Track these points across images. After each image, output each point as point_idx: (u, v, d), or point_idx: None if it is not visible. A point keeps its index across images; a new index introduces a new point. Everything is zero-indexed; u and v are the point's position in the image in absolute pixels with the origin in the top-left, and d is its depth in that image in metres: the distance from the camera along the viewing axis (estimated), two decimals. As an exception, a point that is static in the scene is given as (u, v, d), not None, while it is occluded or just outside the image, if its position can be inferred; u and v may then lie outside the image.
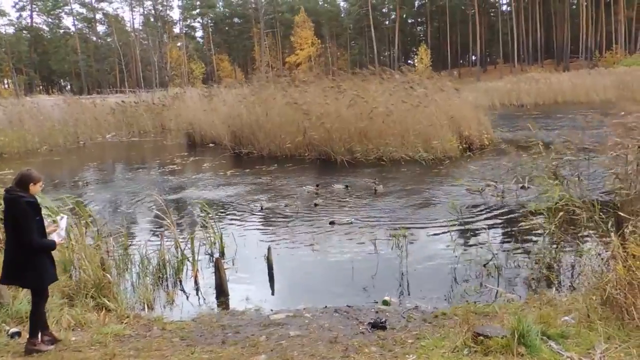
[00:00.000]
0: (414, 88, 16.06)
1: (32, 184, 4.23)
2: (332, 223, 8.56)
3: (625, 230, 4.66)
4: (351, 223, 8.52)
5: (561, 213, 6.27)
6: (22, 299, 5.18)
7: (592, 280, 4.66)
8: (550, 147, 7.92)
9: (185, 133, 22.52)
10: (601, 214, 6.09)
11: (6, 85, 71.62)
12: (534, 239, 7.04)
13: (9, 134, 21.75)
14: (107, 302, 5.37)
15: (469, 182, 10.60)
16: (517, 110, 30.12)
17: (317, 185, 11.55)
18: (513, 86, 36.71)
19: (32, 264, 4.22)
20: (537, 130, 9.27)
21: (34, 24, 77.90)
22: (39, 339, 4.39)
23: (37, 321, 4.37)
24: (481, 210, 8.93)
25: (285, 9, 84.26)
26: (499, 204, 9.24)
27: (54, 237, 4.42)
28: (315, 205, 9.93)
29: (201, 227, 8.22)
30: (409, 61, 78.31)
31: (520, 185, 9.56)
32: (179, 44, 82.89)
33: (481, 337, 3.76)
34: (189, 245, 6.80)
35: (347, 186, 11.42)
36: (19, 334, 4.73)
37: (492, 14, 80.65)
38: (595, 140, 8.66)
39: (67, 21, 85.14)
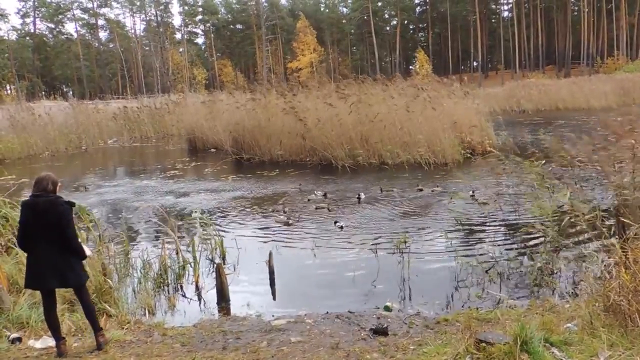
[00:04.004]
0: (424, 89, 16.21)
1: (57, 186, 4.38)
2: (336, 223, 8.75)
3: (629, 236, 4.63)
4: (342, 227, 8.59)
5: (555, 220, 6.26)
6: (22, 304, 5.17)
7: (595, 286, 4.63)
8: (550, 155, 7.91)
9: (186, 138, 22.56)
10: (603, 220, 6.06)
11: (9, 91, 71.90)
12: (536, 245, 7.01)
13: (12, 139, 21.84)
14: (108, 307, 5.36)
15: (466, 191, 10.59)
16: (519, 116, 30.15)
17: (359, 196, 10.91)
18: (514, 92, 36.75)
19: (71, 263, 4.35)
20: (543, 137, 9.20)
21: (37, 30, 78.32)
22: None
23: (95, 313, 4.59)
24: (482, 217, 8.91)
25: (286, 15, 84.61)
26: (499, 210, 9.21)
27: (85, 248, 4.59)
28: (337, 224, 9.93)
29: (202, 232, 8.21)
30: (410, 67, 78.52)
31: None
32: (180, 49, 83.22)
33: (483, 344, 3.73)
34: (190, 251, 6.79)
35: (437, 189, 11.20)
36: (19, 339, 4.72)
37: (493, 21, 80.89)
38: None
39: (70, 27, 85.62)
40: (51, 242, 4.22)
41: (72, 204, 4.36)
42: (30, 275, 4.31)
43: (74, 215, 4.45)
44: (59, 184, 4.42)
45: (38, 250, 4.25)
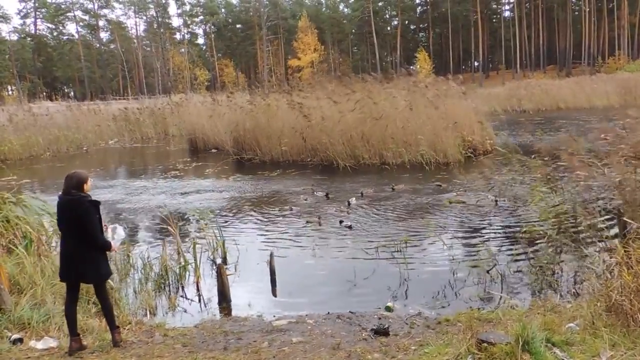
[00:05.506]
0: (428, 87, 16.39)
1: (85, 183, 4.46)
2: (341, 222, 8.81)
3: (630, 235, 4.61)
4: (350, 227, 8.57)
5: (555, 220, 6.26)
6: (24, 305, 5.17)
7: (597, 286, 4.63)
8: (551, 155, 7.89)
9: (187, 139, 22.57)
10: (605, 219, 6.05)
11: (10, 92, 71.97)
12: (537, 245, 7.00)
13: (13, 140, 21.88)
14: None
15: (464, 192, 10.58)
16: (520, 116, 30.10)
17: (349, 201, 10.51)
18: (515, 92, 36.70)
19: (93, 260, 4.46)
20: (541, 137, 9.20)
21: (38, 31, 78.30)
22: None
23: (113, 311, 4.65)
24: (483, 218, 8.90)
25: (288, 15, 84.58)
26: (500, 211, 9.20)
27: (112, 241, 4.65)
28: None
29: (203, 233, 8.22)
30: (411, 67, 78.42)
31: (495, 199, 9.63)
32: (181, 50, 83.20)
33: (485, 344, 3.72)
34: (191, 251, 6.79)
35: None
36: (21, 340, 4.72)
37: (494, 20, 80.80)
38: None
39: (71, 27, 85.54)
40: (76, 238, 4.39)
41: (96, 203, 4.46)
42: (60, 267, 4.52)
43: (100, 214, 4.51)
44: (88, 181, 4.49)
45: (65, 245, 4.49)
